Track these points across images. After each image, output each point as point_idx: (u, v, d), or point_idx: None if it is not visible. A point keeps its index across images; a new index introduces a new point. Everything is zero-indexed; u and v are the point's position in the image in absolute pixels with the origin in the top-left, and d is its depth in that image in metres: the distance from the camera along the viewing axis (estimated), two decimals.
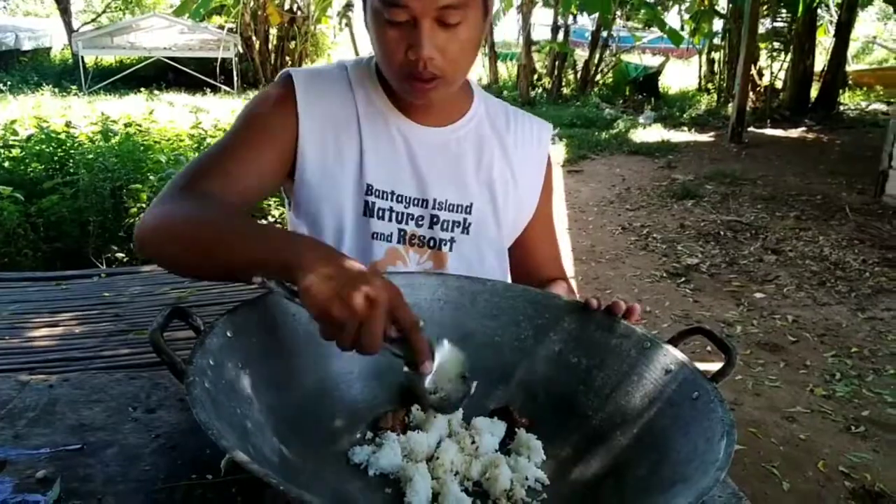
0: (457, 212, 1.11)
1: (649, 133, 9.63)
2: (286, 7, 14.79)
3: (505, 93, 13.51)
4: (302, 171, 1.04)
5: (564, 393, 0.91)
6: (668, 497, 0.62)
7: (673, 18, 15.23)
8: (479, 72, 14.90)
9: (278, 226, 3.82)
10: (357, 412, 0.87)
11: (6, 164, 4.78)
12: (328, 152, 1.05)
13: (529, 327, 0.97)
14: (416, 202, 1.09)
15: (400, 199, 1.08)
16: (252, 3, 14.25)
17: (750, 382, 2.95)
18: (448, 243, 1.11)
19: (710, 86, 13.59)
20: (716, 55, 13.43)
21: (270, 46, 15.29)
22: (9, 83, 12.77)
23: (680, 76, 15.50)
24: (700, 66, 14.40)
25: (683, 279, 4.25)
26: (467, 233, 1.12)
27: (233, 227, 0.84)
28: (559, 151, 8.37)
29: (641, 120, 10.60)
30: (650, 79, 12.92)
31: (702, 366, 0.82)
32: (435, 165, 1.09)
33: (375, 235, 1.07)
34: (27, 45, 18.07)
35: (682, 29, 14.47)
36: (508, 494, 0.76)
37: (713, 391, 0.77)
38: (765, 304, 3.85)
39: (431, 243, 1.11)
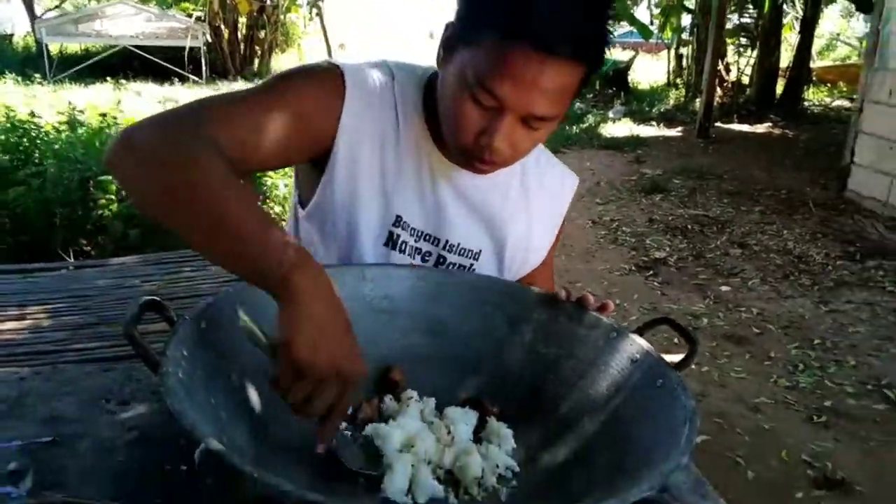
0: (465, 256, 1.10)
1: (619, 127, 9.73)
2: None
3: None
4: (329, 181, 0.99)
5: (534, 382, 0.93)
6: (633, 481, 0.65)
7: (642, 13, 15.36)
8: None
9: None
10: None
11: None
12: (361, 169, 0.99)
13: (501, 317, 0.99)
14: (428, 238, 1.07)
15: (416, 233, 1.06)
16: None
17: (716, 374, 3.02)
18: None
19: (678, 81, 13.76)
20: (684, 50, 13.60)
21: (240, 35, 15.10)
22: None
23: (649, 71, 15.67)
24: (669, 62, 14.57)
25: (651, 272, 4.32)
26: None
27: (238, 209, 0.74)
28: None
29: (611, 114, 10.70)
30: (620, 73, 13.04)
31: (668, 357, 0.84)
32: (457, 208, 1.06)
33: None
34: None
35: (652, 24, 14.62)
36: (479, 482, 0.78)
37: (676, 379, 0.80)
38: (730, 297, 3.93)
39: None
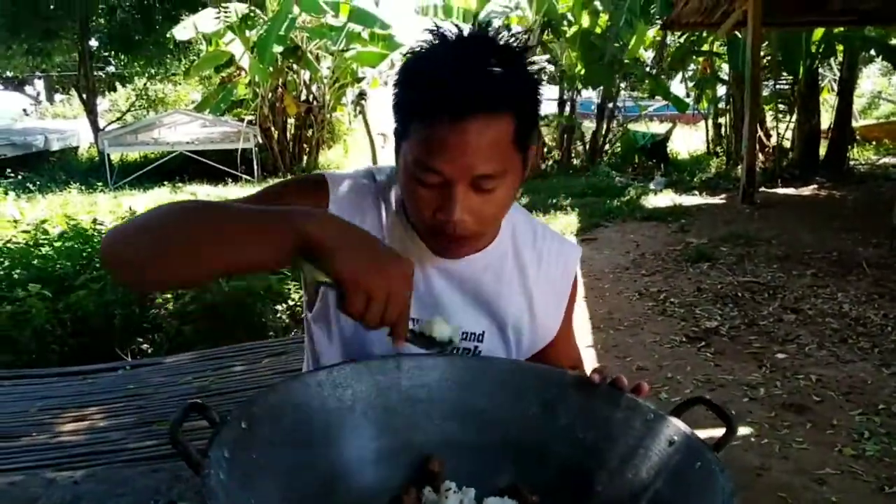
0: (468, 339, 1.11)
1: (661, 199, 9.72)
2: (302, 98, 15.35)
3: None
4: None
5: (572, 468, 0.92)
6: None
7: (677, 86, 15.62)
8: None
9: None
10: (370, 496, 0.89)
11: (35, 262, 4.94)
12: None
13: (536, 402, 0.98)
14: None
15: (416, 322, 1.06)
16: (270, 96, 14.84)
17: (777, 445, 2.89)
18: None
19: (718, 149, 13.76)
20: (722, 119, 13.65)
21: (288, 135, 15.80)
22: (38, 183, 13.25)
23: (688, 141, 15.71)
24: (707, 131, 14.62)
25: (703, 343, 4.22)
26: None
27: (224, 209, 0.82)
28: (572, 220, 8.46)
29: (652, 186, 10.71)
30: (658, 145, 13.12)
31: (714, 432, 0.84)
32: (451, 294, 1.09)
33: None
34: (56, 146, 18.82)
35: (687, 96, 14.82)
36: None
37: (715, 460, 0.79)
38: (787, 365, 3.80)
39: None
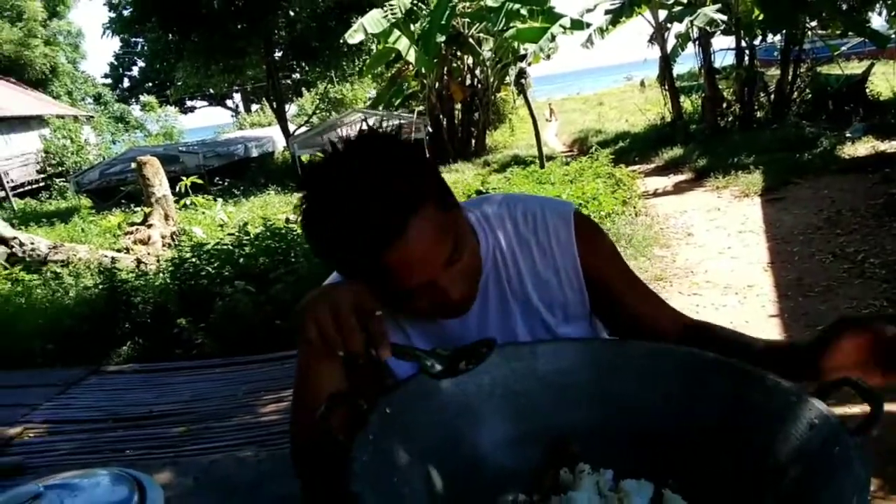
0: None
1: (859, 147, 8.71)
2: (467, 82, 15.63)
3: (692, 127, 13.01)
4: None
5: (708, 452, 0.91)
6: None
7: (876, 19, 13.81)
8: (661, 110, 14.51)
9: None
10: (509, 477, 0.93)
11: (241, 260, 5.55)
12: None
13: (675, 386, 0.97)
14: None
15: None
16: (437, 85, 15.27)
17: None
18: None
19: None
20: None
21: (456, 121, 16.18)
22: (241, 188, 14.76)
23: (892, 80, 13.87)
24: None
25: None
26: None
27: None
28: (756, 179, 7.86)
29: (849, 134, 9.60)
30: (855, 87, 11.72)
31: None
32: (463, 333, 1.10)
33: None
34: (255, 153, 20.81)
35: (889, 28, 13.07)
36: None
37: (855, 446, 0.76)
38: None
39: None
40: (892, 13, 12.19)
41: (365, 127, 0.95)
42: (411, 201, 0.88)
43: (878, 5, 12.58)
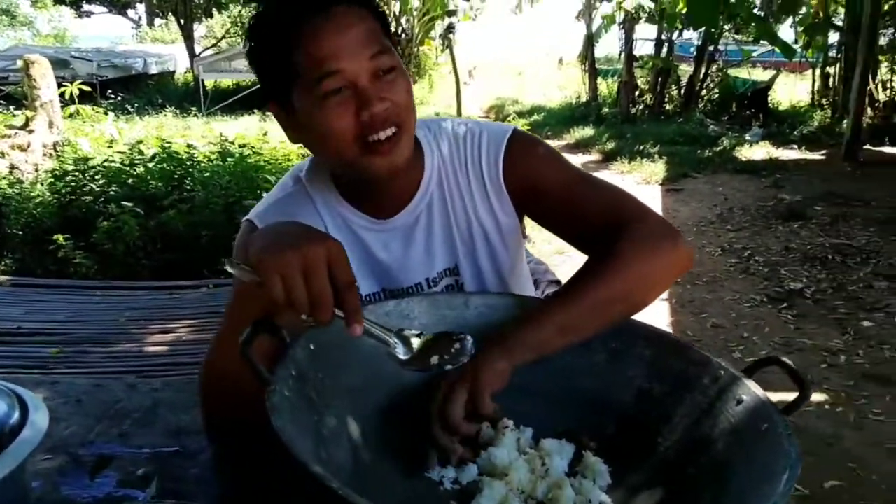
0: (446, 276, 1.12)
1: (756, 151, 9.23)
2: (391, 30, 15.27)
3: (605, 109, 13.33)
4: None
5: (634, 419, 0.91)
6: None
7: (785, 31, 14.56)
8: (578, 89, 14.78)
9: None
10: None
11: (130, 181, 5.20)
12: None
13: (602, 350, 0.97)
14: (399, 293, 1.09)
15: (379, 297, 1.09)
16: None
17: (852, 415, 2.79)
18: None
19: (823, 101, 12.85)
20: (831, 69, 12.71)
21: None
22: (136, 105, 13.83)
23: (791, 91, 14.72)
24: (813, 81, 13.65)
25: (785, 304, 4.06)
26: (462, 288, 1.12)
27: None
28: (658, 169, 8.17)
29: (748, 137, 10.16)
30: (759, 94, 12.37)
31: (787, 396, 0.80)
32: (408, 255, 1.09)
33: None
34: (154, 70, 19.51)
35: (796, 42, 13.80)
36: None
37: (783, 424, 0.76)
38: (872, 333, 3.62)
39: None
40: (801, 29, 12.87)
41: None
42: None
43: (788, 18, 13.26)
